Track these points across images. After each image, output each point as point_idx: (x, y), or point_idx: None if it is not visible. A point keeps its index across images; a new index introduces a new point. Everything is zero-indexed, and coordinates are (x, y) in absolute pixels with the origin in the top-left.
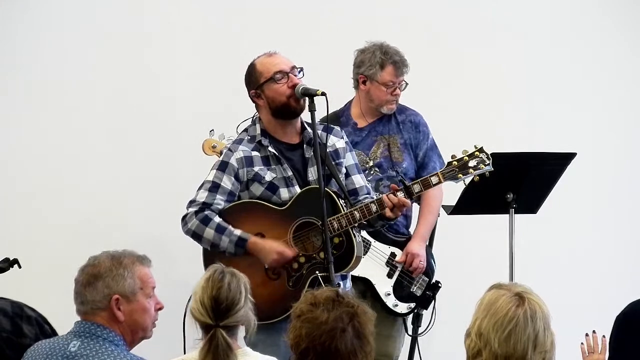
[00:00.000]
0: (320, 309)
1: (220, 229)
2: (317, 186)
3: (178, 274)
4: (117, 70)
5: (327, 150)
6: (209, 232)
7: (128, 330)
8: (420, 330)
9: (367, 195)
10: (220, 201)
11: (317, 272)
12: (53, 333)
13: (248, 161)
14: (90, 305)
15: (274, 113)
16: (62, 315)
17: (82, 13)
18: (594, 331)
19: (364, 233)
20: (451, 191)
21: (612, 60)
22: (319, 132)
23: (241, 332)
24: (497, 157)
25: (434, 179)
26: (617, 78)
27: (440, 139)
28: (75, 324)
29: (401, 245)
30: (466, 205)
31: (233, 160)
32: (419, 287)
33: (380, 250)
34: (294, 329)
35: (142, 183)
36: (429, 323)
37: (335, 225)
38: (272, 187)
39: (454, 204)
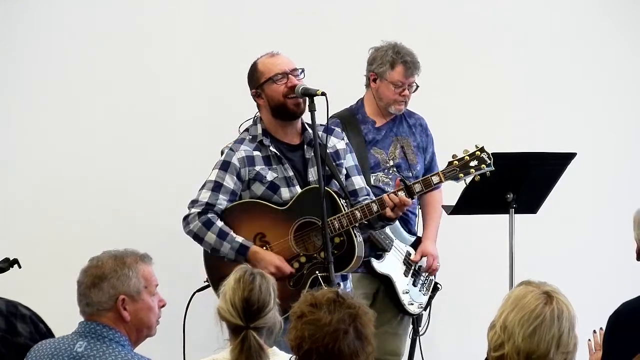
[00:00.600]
0: (323, 311)
1: (222, 235)
2: (318, 186)
3: (178, 274)
4: (117, 70)
5: (328, 151)
6: (211, 237)
7: (133, 330)
8: (421, 330)
9: (367, 197)
10: (222, 201)
11: (317, 272)
12: (48, 332)
13: (249, 160)
14: (96, 307)
15: (274, 113)
16: (62, 315)
17: (82, 13)
18: (601, 328)
19: (387, 229)
20: (451, 191)
21: (612, 60)
22: (320, 133)
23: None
24: (497, 157)
25: (435, 179)
26: (617, 78)
27: (441, 139)
28: (80, 325)
29: (413, 245)
30: (466, 205)
31: (235, 160)
32: (427, 288)
33: (399, 249)
34: (295, 330)
35: (142, 183)
36: (427, 323)
37: (336, 224)
38: (273, 187)
39: (454, 204)
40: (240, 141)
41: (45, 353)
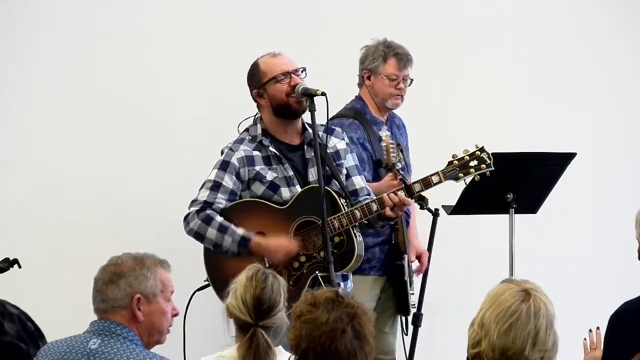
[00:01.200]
0: (320, 310)
1: (222, 229)
2: (318, 185)
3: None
4: (117, 70)
5: (328, 151)
6: (212, 232)
7: (145, 332)
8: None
9: (367, 196)
10: (221, 200)
11: (317, 272)
12: (36, 330)
13: (249, 160)
14: (111, 303)
15: (276, 112)
16: (62, 315)
17: (82, 13)
18: (597, 328)
19: None
20: (451, 191)
21: (612, 60)
22: (320, 133)
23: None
24: (497, 157)
25: (435, 178)
26: (617, 78)
27: (441, 139)
28: (93, 324)
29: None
30: (466, 205)
31: (234, 160)
32: (413, 288)
33: None
34: (294, 330)
35: (143, 183)
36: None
37: (336, 224)
38: (274, 187)
39: (454, 204)
40: (240, 141)
41: (57, 351)
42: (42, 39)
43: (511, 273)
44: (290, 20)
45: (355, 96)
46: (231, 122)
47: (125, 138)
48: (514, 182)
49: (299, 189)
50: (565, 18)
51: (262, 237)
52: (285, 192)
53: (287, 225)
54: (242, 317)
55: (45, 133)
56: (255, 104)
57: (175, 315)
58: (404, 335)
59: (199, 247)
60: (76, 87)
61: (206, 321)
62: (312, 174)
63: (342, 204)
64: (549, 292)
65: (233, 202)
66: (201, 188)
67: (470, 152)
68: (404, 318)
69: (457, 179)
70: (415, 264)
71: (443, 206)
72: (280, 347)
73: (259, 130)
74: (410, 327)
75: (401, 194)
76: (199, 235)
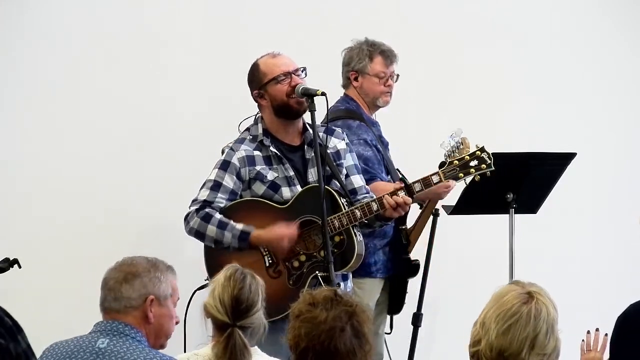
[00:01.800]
0: (319, 309)
1: (222, 225)
2: (318, 184)
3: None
4: (117, 70)
5: (328, 151)
6: (211, 229)
7: (153, 334)
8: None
9: (366, 195)
10: (221, 199)
11: (318, 272)
12: (14, 325)
13: (250, 160)
14: (124, 303)
15: (276, 112)
16: (63, 315)
17: (82, 13)
18: (597, 329)
19: None
20: (451, 191)
21: (612, 60)
22: (320, 133)
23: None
24: (497, 157)
25: (435, 178)
26: (617, 78)
27: (441, 139)
28: (99, 324)
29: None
30: (466, 205)
31: (235, 160)
32: None
33: None
34: (293, 329)
35: (143, 183)
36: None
37: (337, 223)
38: (274, 186)
39: (454, 204)
40: (240, 141)
41: (64, 351)
42: (42, 39)
43: (511, 273)
44: (290, 20)
45: (343, 97)
46: (232, 122)
47: (125, 138)
48: (514, 182)
49: (299, 188)
50: (565, 18)
51: (261, 229)
52: (286, 192)
53: (288, 224)
54: (220, 316)
55: (45, 133)
56: (256, 104)
57: (177, 323)
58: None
59: (200, 246)
60: (76, 87)
61: (207, 321)
62: (312, 174)
63: (342, 203)
64: (549, 292)
65: (234, 202)
66: (201, 188)
67: (471, 152)
68: (389, 317)
69: (457, 178)
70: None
71: (443, 206)
72: (256, 347)
73: (260, 130)
74: (410, 328)
75: (402, 194)
76: (199, 234)
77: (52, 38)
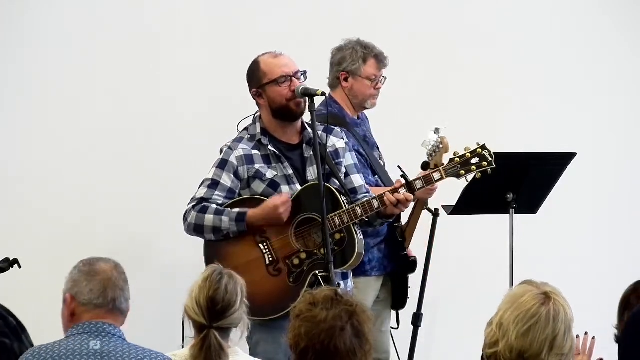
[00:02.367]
0: (319, 308)
1: (218, 212)
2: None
3: (178, 272)
4: (117, 69)
5: (328, 150)
6: (209, 218)
7: None
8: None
9: (367, 194)
10: (218, 197)
11: (317, 272)
12: (18, 325)
13: (248, 159)
14: (126, 304)
15: (274, 114)
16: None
17: (83, 13)
18: (586, 333)
19: None
20: (451, 191)
21: (612, 60)
22: (319, 132)
23: (234, 333)
24: (497, 157)
25: (436, 175)
26: (617, 78)
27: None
28: (82, 326)
29: None
30: (466, 205)
31: (233, 158)
32: None
33: None
34: (293, 329)
35: (143, 183)
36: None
37: (337, 221)
38: (274, 185)
39: (454, 204)
40: (239, 140)
41: (57, 355)
42: (43, 39)
43: (511, 273)
44: (290, 20)
45: (326, 100)
46: (232, 122)
47: (125, 138)
48: (514, 182)
49: (299, 187)
50: (565, 18)
51: (254, 210)
52: (285, 190)
53: (288, 222)
54: (197, 318)
55: (45, 133)
56: (255, 102)
57: None
58: (395, 330)
59: (199, 244)
60: (76, 87)
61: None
62: (311, 173)
63: (343, 201)
64: (561, 292)
65: (234, 200)
66: (200, 186)
67: (472, 149)
68: (394, 312)
69: (458, 176)
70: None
71: (443, 206)
72: (237, 348)
73: (258, 129)
74: (405, 329)
75: (403, 191)
76: (197, 227)
77: (52, 38)
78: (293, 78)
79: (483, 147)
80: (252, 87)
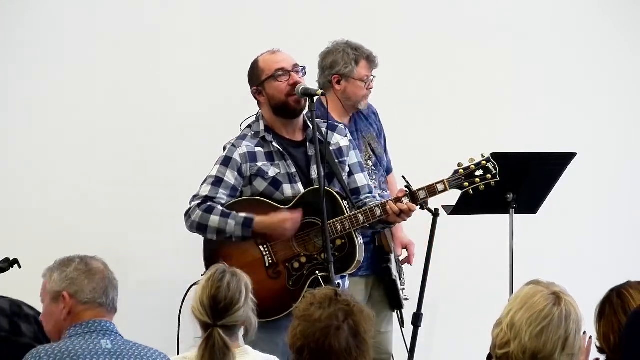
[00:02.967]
0: (316, 307)
1: (224, 214)
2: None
3: (177, 270)
4: (117, 69)
5: (331, 148)
6: (214, 219)
7: None
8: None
9: (369, 194)
10: (222, 196)
11: (317, 272)
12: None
13: (251, 156)
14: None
15: (275, 111)
16: None
17: (83, 13)
18: (584, 332)
19: None
20: (451, 191)
21: (612, 60)
22: (323, 130)
23: (241, 331)
24: (497, 157)
25: (440, 187)
26: (617, 78)
27: (441, 139)
28: (85, 325)
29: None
30: (466, 205)
31: (236, 156)
32: (404, 279)
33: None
34: (292, 328)
35: (143, 183)
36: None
37: (339, 227)
38: (276, 183)
39: (454, 204)
40: (242, 137)
41: (73, 354)
42: (43, 39)
43: (511, 273)
44: (290, 20)
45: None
46: (232, 122)
47: (126, 137)
48: (514, 182)
49: (300, 185)
50: (565, 18)
51: (263, 217)
52: (287, 189)
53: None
54: (202, 318)
55: (45, 133)
56: (256, 101)
57: None
58: (402, 328)
59: (197, 247)
60: (76, 87)
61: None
62: (315, 171)
63: (344, 206)
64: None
65: (235, 200)
66: (203, 183)
67: (477, 161)
68: (398, 312)
69: (462, 188)
70: (404, 256)
71: (443, 206)
72: (247, 346)
73: (262, 127)
74: (410, 327)
75: (407, 200)
76: (201, 226)
77: (52, 38)
78: (291, 72)
79: (488, 160)
80: (252, 86)
